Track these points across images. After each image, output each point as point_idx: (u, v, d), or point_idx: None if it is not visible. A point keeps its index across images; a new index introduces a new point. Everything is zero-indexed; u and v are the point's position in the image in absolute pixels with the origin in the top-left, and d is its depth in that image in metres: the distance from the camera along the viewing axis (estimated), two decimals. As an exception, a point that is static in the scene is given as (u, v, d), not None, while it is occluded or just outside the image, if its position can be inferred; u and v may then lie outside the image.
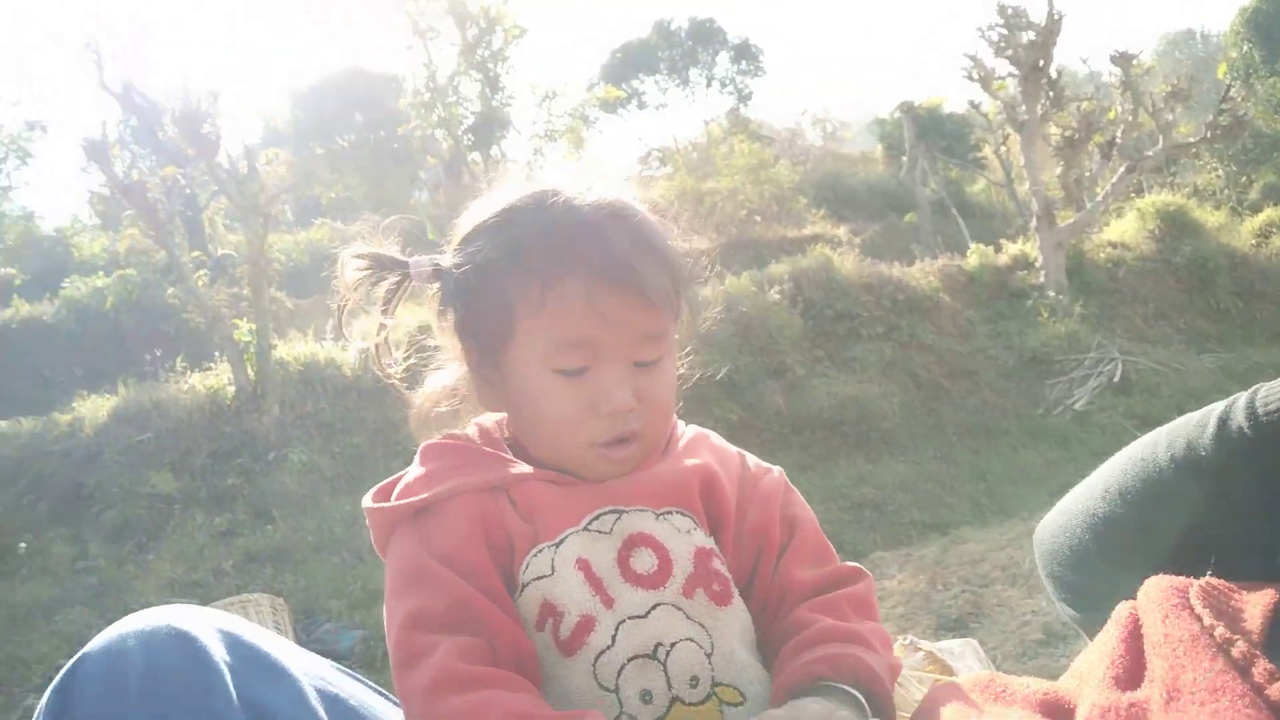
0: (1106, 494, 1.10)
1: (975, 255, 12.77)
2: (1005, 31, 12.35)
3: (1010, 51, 12.38)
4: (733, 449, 1.21)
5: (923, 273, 12.31)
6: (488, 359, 1.11)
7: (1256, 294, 12.70)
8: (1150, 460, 1.04)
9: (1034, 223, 12.48)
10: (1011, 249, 13.06)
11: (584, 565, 1.03)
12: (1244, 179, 16.61)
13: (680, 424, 1.21)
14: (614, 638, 1.00)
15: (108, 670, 0.86)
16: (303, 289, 15.58)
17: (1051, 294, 11.91)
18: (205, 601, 6.75)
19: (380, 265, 1.16)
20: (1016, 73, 12.55)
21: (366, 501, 1.12)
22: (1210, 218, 13.81)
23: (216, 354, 10.04)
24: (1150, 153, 12.73)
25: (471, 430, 1.18)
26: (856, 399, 9.77)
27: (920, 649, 2.16)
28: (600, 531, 1.05)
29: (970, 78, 13.24)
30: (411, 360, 1.20)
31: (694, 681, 1.00)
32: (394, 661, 0.99)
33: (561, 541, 1.04)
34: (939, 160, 19.09)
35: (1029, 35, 12.31)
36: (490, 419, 1.19)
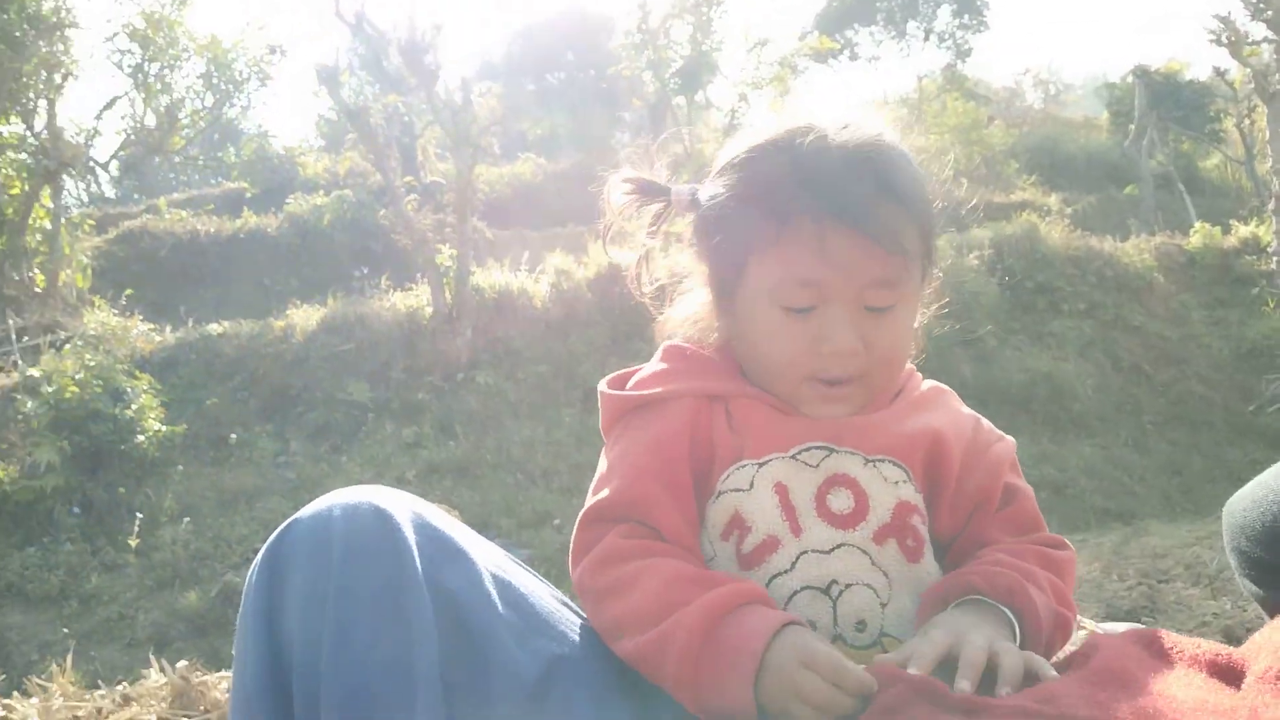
0: None
1: (1199, 235, 11.87)
2: (1263, -8, 11.29)
3: (1269, 14, 11.30)
4: (967, 411, 1.20)
5: (1137, 249, 11.55)
6: (725, 290, 1.14)
7: None
8: None
9: (1272, 204, 11.46)
10: (1242, 231, 12.06)
11: (781, 490, 1.06)
12: None
13: (919, 377, 1.22)
14: (794, 564, 1.03)
15: (314, 533, 0.96)
16: (503, 220, 16.15)
17: (1282, 283, 10.95)
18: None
19: (645, 191, 1.22)
20: (1274, 37, 11.46)
21: (602, 386, 1.20)
22: None
23: (418, 275, 10.55)
24: None
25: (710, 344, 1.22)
26: (1049, 376, 9.33)
27: (1084, 627, 2.09)
28: (806, 463, 1.07)
29: (1218, 41, 12.16)
30: (662, 282, 1.27)
31: (861, 626, 1.01)
32: (572, 551, 1.09)
33: (765, 462, 1.07)
34: (1171, 131, 17.74)
35: (1289, -3, 11.21)
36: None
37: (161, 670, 2.71)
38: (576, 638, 1.03)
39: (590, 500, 1.10)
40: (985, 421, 1.20)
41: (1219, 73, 14.32)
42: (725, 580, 1.00)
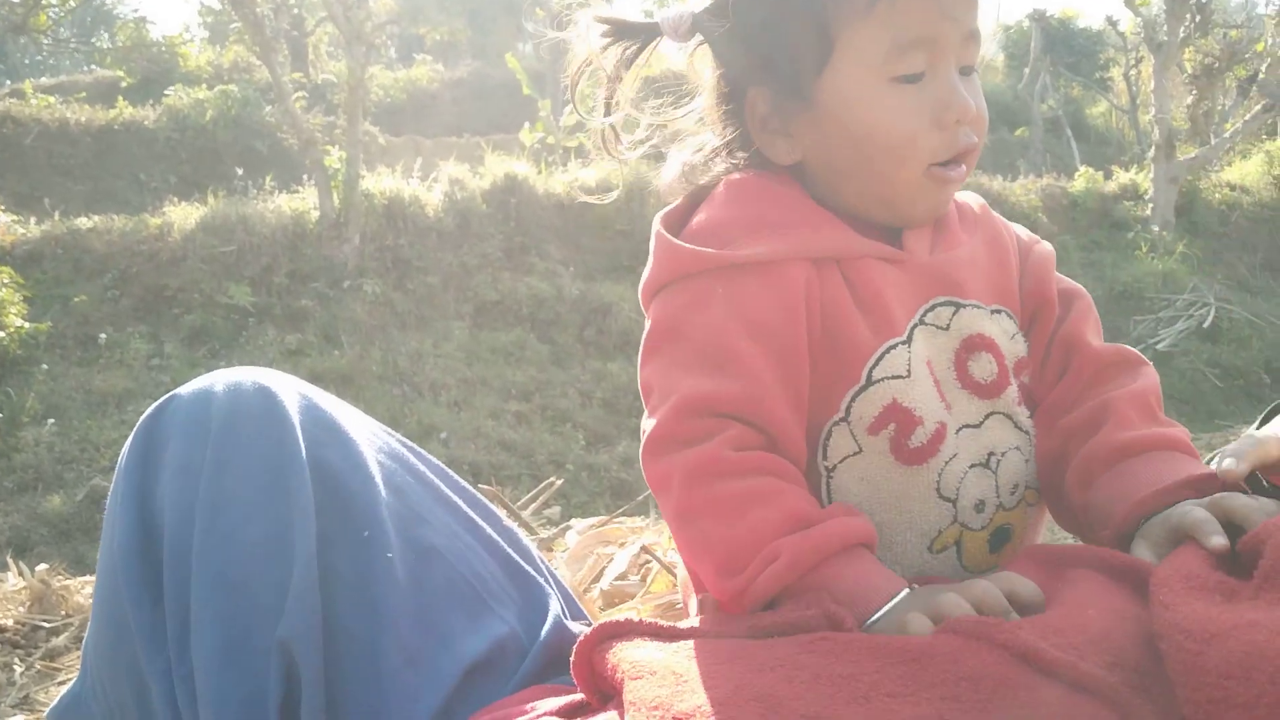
0: None
1: (1083, 179, 12.25)
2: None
3: (1161, -35, 11.59)
4: (998, 217, 1.09)
5: (1024, 189, 11.88)
6: (790, 96, 0.95)
7: (1375, 257, 12.04)
8: None
9: (1152, 152, 11.88)
10: (1122, 177, 12.49)
11: (929, 366, 0.95)
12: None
13: None
14: (958, 445, 0.94)
15: (193, 407, 0.93)
16: (397, 127, 15.65)
17: (1156, 229, 11.41)
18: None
19: (624, 31, 1.02)
20: (1163, -11, 11.78)
21: (662, 228, 0.98)
22: (1344, 171, 13.01)
23: (305, 178, 10.16)
24: (1292, 93, 11.94)
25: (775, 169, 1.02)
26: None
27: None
28: (938, 326, 0.96)
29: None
30: (652, 141, 1.06)
31: (1014, 489, 0.97)
32: (656, 437, 0.91)
33: (911, 338, 0.94)
34: (1062, 77, 18.16)
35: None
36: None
37: (20, 574, 2.61)
38: (460, 529, 0.99)
39: (687, 379, 0.91)
40: (1018, 225, 1.11)
41: (1111, 22, 14.66)
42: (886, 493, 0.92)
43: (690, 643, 0.79)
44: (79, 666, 1.00)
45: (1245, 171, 12.75)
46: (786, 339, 0.92)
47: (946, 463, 0.93)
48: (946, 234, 1.00)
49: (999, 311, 0.99)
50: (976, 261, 1.00)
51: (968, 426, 0.95)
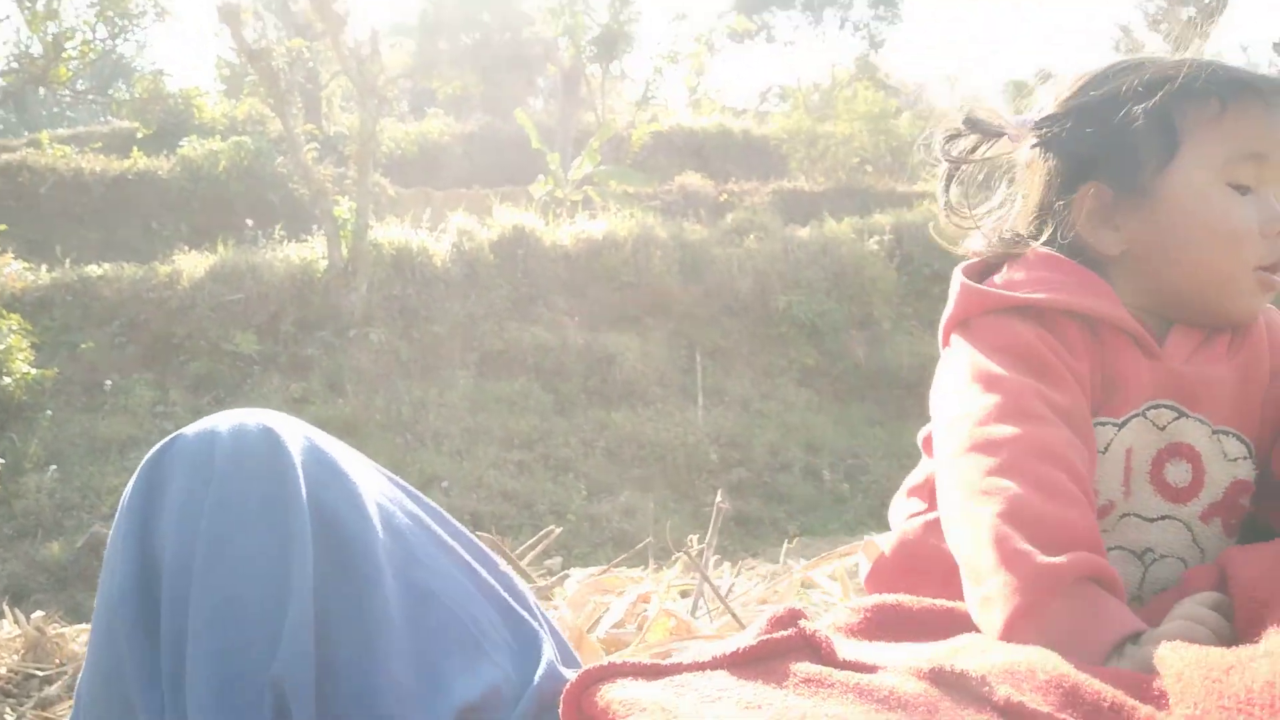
0: None
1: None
2: (1164, 4, 11.73)
3: (1164, 25, 11.76)
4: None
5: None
6: (1128, 189, 1.05)
7: None
8: None
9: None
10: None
11: (1128, 454, 1.00)
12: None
13: None
14: (1116, 525, 0.99)
15: (196, 447, 0.94)
16: (407, 179, 15.81)
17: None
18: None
19: (979, 129, 1.13)
20: (1167, 48, 11.93)
21: (960, 274, 1.09)
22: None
23: (315, 228, 10.26)
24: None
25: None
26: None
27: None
28: (1154, 424, 1.01)
29: (1116, 49, 12.63)
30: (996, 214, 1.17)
31: (1158, 593, 0.98)
32: (952, 442, 0.95)
33: (1124, 424, 1.00)
34: (1067, 134, 18.33)
35: (1189, 11, 11.67)
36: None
37: (15, 622, 2.60)
38: (457, 573, 0.99)
39: (1000, 389, 0.96)
40: None
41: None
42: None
43: (677, 678, 0.80)
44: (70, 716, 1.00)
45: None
46: (1081, 378, 0.99)
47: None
48: (1211, 349, 1.06)
49: (1225, 432, 1.03)
50: (1225, 383, 1.04)
51: (1138, 517, 0.99)
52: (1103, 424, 1.00)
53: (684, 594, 2.09)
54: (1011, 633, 0.81)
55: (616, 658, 1.69)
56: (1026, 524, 0.86)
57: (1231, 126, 1.02)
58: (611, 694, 0.79)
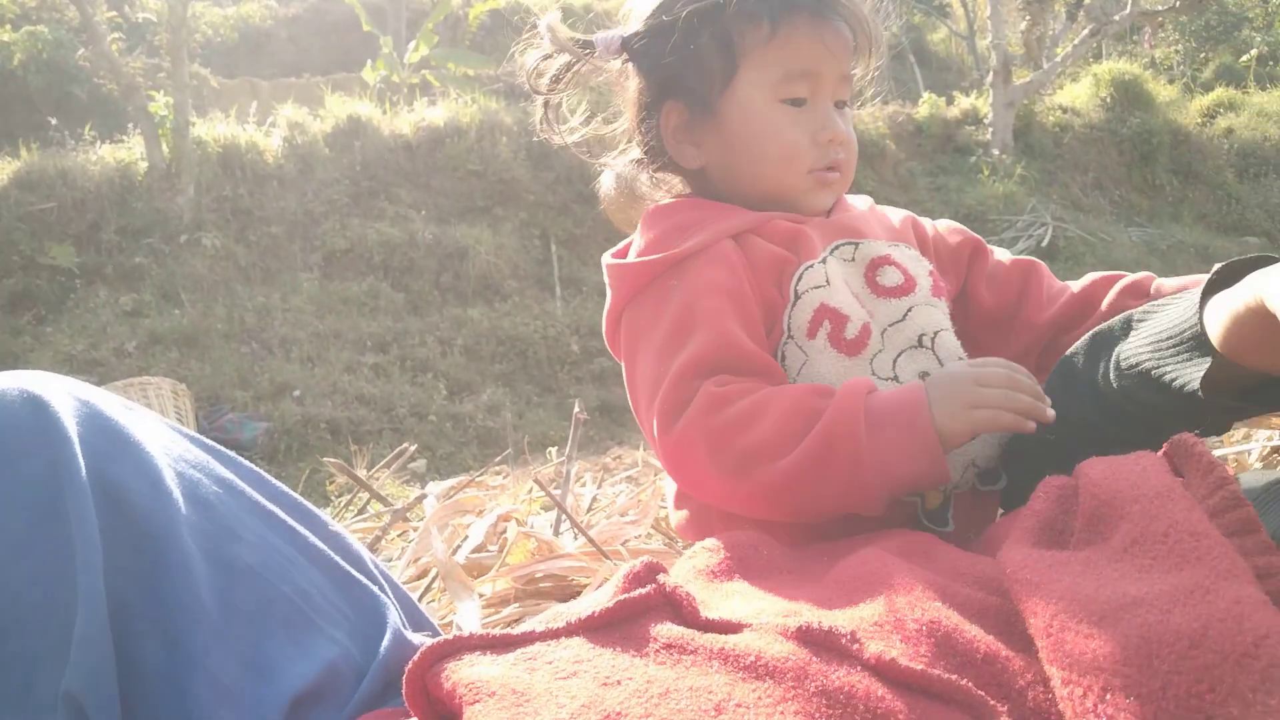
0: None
1: (926, 105, 12.55)
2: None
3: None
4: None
5: (871, 118, 12.07)
6: (699, 108, 1.16)
7: (1193, 173, 12.78)
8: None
9: (989, 78, 12.24)
10: (964, 103, 12.85)
11: (845, 282, 1.12)
12: (1201, 55, 16.46)
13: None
14: (884, 341, 1.09)
15: None
16: (230, 68, 14.77)
17: (996, 153, 11.82)
18: (104, 380, 6.59)
19: (564, 45, 1.20)
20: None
21: (613, 260, 1.16)
22: (1162, 92, 13.70)
23: (130, 126, 9.51)
24: (1117, 17, 12.46)
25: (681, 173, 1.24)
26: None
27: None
28: (844, 259, 1.14)
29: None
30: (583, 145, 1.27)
31: (959, 360, 1.10)
32: (661, 414, 1.03)
33: (824, 261, 1.12)
34: (904, 2, 18.48)
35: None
36: (675, 191, 1.25)
37: None
38: (279, 541, 0.88)
39: (674, 356, 1.05)
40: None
41: (949, -53, 14.95)
42: (840, 385, 1.02)
43: (529, 649, 0.74)
44: None
45: (1075, 94, 13.29)
46: (733, 286, 1.08)
47: (875, 355, 1.09)
48: (841, 208, 1.22)
49: (897, 245, 1.18)
50: (869, 220, 1.21)
51: (893, 324, 1.11)
52: (809, 266, 1.11)
53: (546, 509, 2.04)
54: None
55: (485, 585, 1.61)
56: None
57: (781, 46, 1.11)
58: (458, 674, 0.72)
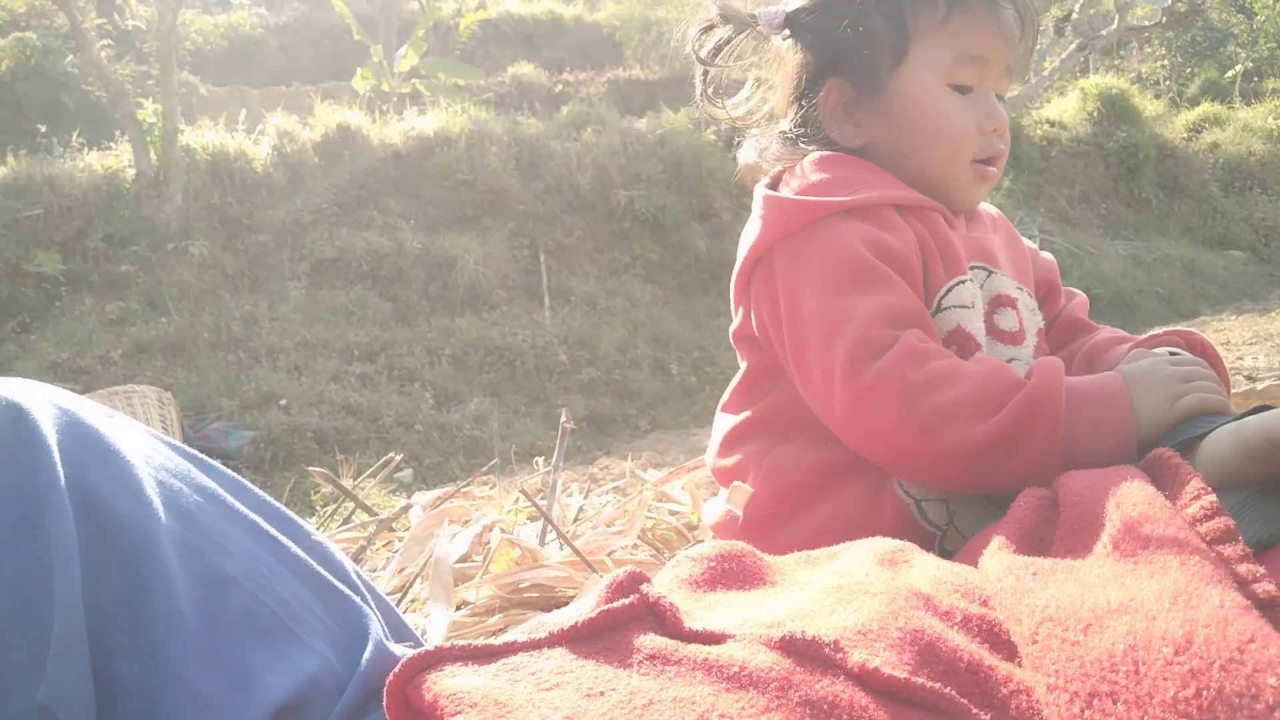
0: None
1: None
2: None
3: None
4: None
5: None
6: (865, 87, 1.14)
7: (1179, 187, 12.86)
8: None
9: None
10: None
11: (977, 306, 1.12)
12: (1187, 71, 16.59)
13: None
14: None
15: None
16: (220, 76, 14.75)
17: (984, 166, 11.88)
18: (90, 389, 6.54)
19: (728, 19, 1.19)
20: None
21: (764, 190, 1.14)
22: (1149, 107, 13.80)
23: (118, 134, 9.47)
24: (1105, 32, 12.54)
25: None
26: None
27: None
28: (977, 284, 1.13)
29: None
30: (752, 105, 1.25)
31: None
32: (854, 354, 1.00)
33: (967, 280, 1.11)
34: None
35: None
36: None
37: None
38: (260, 551, 0.87)
39: (866, 299, 1.03)
40: None
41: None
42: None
43: (511, 660, 0.73)
44: None
45: (1063, 108, 13.36)
46: (905, 262, 1.06)
47: None
48: (979, 223, 1.21)
49: (1023, 289, 1.18)
50: (997, 243, 1.20)
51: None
52: (962, 282, 1.10)
53: (533, 519, 2.03)
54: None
55: (468, 592, 1.60)
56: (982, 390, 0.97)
57: (956, 30, 1.10)
58: (440, 685, 0.72)
